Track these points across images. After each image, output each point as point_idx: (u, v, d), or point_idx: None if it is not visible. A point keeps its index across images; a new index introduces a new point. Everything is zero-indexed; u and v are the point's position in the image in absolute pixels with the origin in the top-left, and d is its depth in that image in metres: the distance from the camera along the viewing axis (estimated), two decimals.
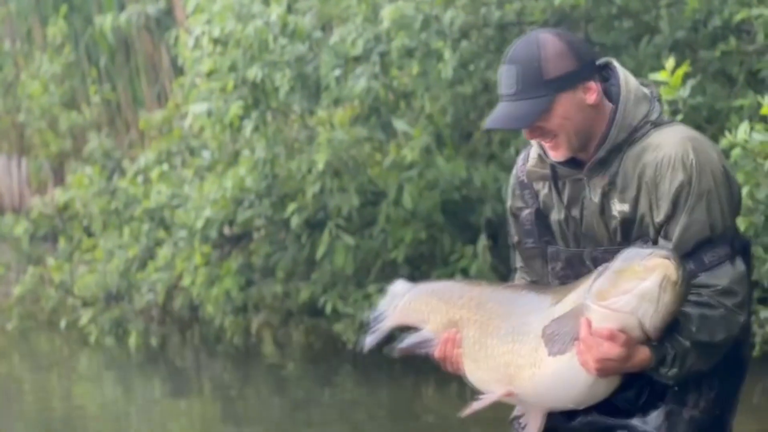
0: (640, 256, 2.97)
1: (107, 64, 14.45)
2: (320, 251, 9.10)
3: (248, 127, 8.85)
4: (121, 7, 13.82)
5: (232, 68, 8.63)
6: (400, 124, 8.88)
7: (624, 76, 3.20)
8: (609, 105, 3.18)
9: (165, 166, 11.13)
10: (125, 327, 11.27)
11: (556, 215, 3.27)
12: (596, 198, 3.17)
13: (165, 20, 13.55)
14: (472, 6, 7.92)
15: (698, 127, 6.28)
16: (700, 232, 3.04)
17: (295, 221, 9.24)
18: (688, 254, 3.03)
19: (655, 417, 3.12)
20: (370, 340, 3.51)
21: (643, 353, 3.02)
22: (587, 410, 3.17)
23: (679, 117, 5.02)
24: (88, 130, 13.80)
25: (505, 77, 3.16)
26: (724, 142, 4.83)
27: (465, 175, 8.75)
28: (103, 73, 14.49)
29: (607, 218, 3.16)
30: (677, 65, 5.12)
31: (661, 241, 3.07)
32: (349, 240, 9.00)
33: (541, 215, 3.31)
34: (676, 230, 3.05)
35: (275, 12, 8.53)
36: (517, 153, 3.45)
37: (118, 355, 11.09)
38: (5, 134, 15.46)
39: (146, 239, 10.95)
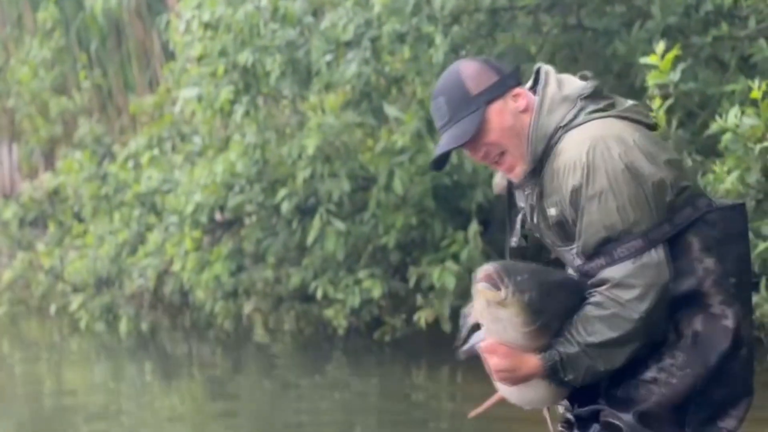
0: (475, 278, 3.09)
1: (98, 49, 14.42)
2: (311, 237, 9.09)
3: (239, 112, 8.82)
4: None
5: (223, 53, 8.60)
6: (391, 110, 8.87)
7: (545, 81, 3.25)
8: None
9: (156, 152, 11.12)
10: (116, 312, 11.26)
11: (527, 220, 3.37)
12: (536, 204, 3.26)
13: (156, 5, 13.52)
14: None
15: (690, 113, 6.28)
16: (596, 233, 3.08)
17: (285, 207, 9.23)
18: (599, 251, 3.08)
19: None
20: (463, 350, 3.44)
21: (532, 362, 3.09)
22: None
23: (670, 101, 5.01)
24: (79, 115, 13.78)
25: (436, 111, 3.28)
26: (714, 127, 4.82)
27: (456, 160, 8.74)
28: (93, 58, 14.45)
29: (548, 221, 3.24)
30: (668, 50, 5.10)
31: (576, 242, 3.15)
32: (340, 225, 8.99)
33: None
34: (579, 232, 3.12)
35: None
36: None
37: (109, 340, 11.07)
38: None
39: (137, 224, 10.95)
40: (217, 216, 10.28)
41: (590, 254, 3.09)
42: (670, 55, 4.94)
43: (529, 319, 3.05)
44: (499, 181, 3.46)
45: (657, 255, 3.06)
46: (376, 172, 8.98)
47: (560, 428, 3.33)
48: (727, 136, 4.81)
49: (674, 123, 5.15)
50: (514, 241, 3.43)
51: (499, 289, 3.04)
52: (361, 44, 8.22)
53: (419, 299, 8.85)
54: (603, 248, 3.07)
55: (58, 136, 14.25)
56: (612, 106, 3.22)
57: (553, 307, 3.08)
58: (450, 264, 8.51)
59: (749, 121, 4.70)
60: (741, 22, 6.74)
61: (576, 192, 3.10)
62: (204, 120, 10.03)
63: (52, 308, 11.90)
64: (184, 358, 10.46)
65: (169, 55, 12.55)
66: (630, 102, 3.30)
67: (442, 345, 7.83)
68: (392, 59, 8.64)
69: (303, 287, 9.61)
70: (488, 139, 3.22)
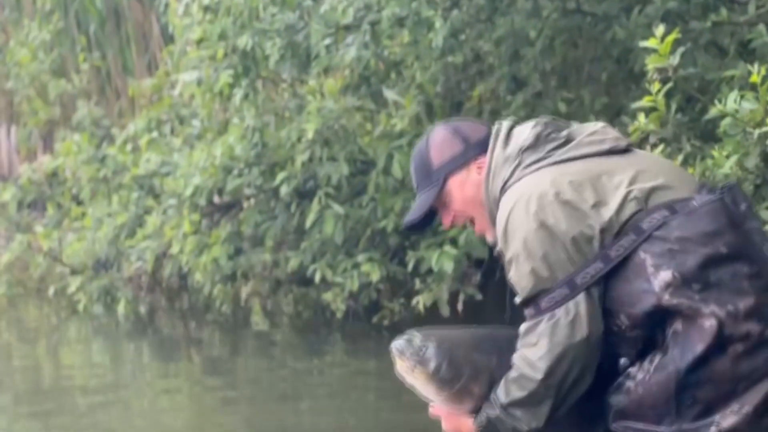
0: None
1: (97, 32, 14.41)
2: (309, 220, 9.09)
3: (238, 95, 8.82)
4: None
5: (222, 36, 8.60)
6: (390, 94, 8.87)
7: (493, 144, 3.24)
8: None
9: (154, 134, 11.12)
10: (114, 295, 11.26)
11: None
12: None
13: None
14: None
15: (689, 98, 6.28)
16: (519, 294, 3.08)
17: (284, 190, 9.23)
18: (528, 304, 3.07)
19: None
20: None
21: (468, 424, 3.15)
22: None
23: (669, 86, 5.01)
24: (78, 97, 13.77)
25: (412, 175, 3.36)
26: (713, 111, 4.82)
27: None
28: (92, 40, 14.44)
29: None
30: (668, 34, 5.10)
31: None
32: (339, 209, 8.99)
33: None
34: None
35: None
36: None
37: (107, 323, 11.09)
38: None
39: (135, 207, 10.94)
40: (216, 199, 10.28)
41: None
42: (670, 39, 4.94)
43: (439, 386, 3.13)
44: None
45: (574, 309, 2.99)
46: (375, 156, 8.99)
47: None
48: (726, 121, 4.81)
49: (673, 107, 5.14)
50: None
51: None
52: (361, 28, 8.21)
53: (417, 283, 8.86)
54: (531, 302, 3.06)
55: (56, 118, 14.25)
56: (564, 144, 3.16)
57: (474, 370, 3.12)
58: (448, 248, 8.51)
59: (748, 105, 4.70)
60: (740, 8, 6.74)
61: (501, 256, 3.12)
62: (203, 103, 10.03)
63: (51, 290, 11.90)
64: (182, 341, 10.48)
65: (168, 38, 12.54)
66: (591, 126, 3.22)
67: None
68: (392, 43, 8.64)
69: (301, 271, 9.61)
70: (451, 208, 3.30)
